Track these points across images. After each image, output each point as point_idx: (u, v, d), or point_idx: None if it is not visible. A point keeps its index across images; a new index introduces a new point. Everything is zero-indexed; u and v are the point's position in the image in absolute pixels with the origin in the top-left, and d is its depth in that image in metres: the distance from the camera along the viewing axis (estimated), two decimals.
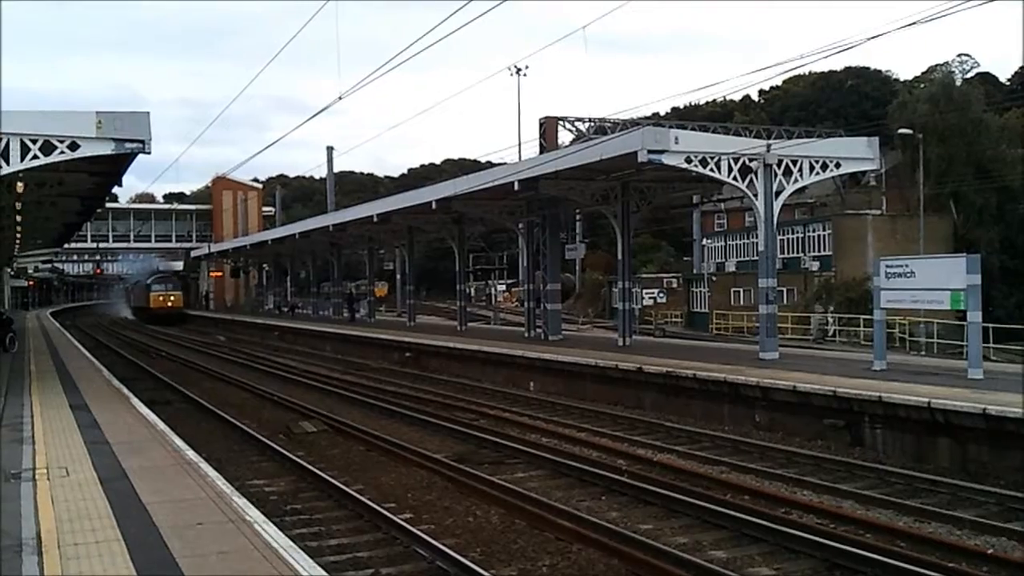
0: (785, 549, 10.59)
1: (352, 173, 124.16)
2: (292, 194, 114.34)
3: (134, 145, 18.44)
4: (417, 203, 35.37)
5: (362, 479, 14.81)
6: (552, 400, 23.79)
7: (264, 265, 79.30)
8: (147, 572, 7.51)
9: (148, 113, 18.61)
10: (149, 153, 18.61)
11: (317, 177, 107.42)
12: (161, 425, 15.37)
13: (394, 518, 11.70)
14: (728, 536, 11.25)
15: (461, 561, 9.87)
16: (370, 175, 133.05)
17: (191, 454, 12.69)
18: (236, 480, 13.04)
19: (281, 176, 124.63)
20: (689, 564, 9.76)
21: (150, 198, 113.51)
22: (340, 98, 22.36)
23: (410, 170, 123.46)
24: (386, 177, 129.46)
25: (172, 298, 74.52)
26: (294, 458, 16.01)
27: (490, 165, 51.12)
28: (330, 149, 71.47)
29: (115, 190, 33.11)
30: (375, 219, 39.61)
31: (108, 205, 63.59)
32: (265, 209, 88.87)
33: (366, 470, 15.63)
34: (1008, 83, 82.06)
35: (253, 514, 9.35)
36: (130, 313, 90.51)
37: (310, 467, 15.15)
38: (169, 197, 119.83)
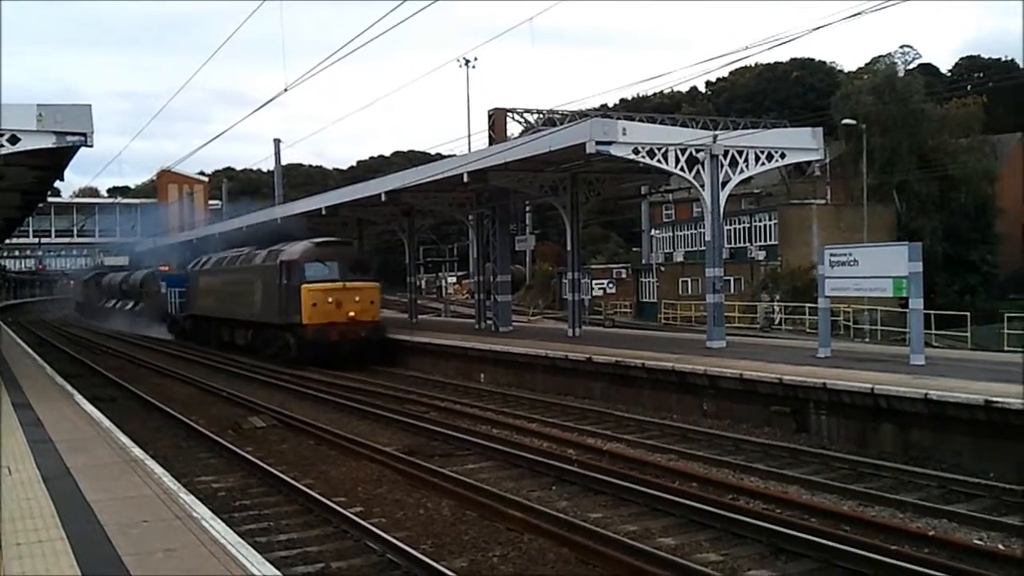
0: (732, 535, 10.73)
1: (300, 166, 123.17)
2: (239, 187, 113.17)
3: (76, 138, 18.12)
4: (366, 195, 35.17)
5: (312, 473, 14.74)
6: (503, 391, 23.86)
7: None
8: (92, 571, 7.41)
9: (90, 106, 18.29)
10: (91, 146, 18.29)
11: (264, 170, 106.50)
12: (106, 422, 15.15)
13: (344, 512, 11.66)
14: (676, 523, 11.38)
15: (412, 554, 9.87)
16: (318, 168, 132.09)
17: (137, 451, 12.53)
18: (183, 477, 12.91)
19: (228, 169, 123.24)
20: (638, 551, 9.85)
21: (93, 192, 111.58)
22: (286, 90, 22.29)
23: (359, 162, 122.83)
24: (335, 169, 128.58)
25: (358, 299, 31.28)
26: (243, 453, 15.88)
27: (440, 157, 51.10)
28: (277, 142, 70.65)
29: (57, 184, 32.65)
30: (323, 212, 39.32)
31: (50, 199, 62.52)
32: (212, 203, 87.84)
33: (316, 464, 15.55)
34: (949, 74, 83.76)
35: (200, 510, 9.26)
36: (161, 325, 49.67)
37: (259, 462, 15.04)
38: (113, 191, 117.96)
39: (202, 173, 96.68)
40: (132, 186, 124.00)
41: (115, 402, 22.63)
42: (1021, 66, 78.71)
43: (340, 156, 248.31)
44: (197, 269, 44.33)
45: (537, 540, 10.66)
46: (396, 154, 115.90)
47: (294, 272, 31.07)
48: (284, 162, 75.75)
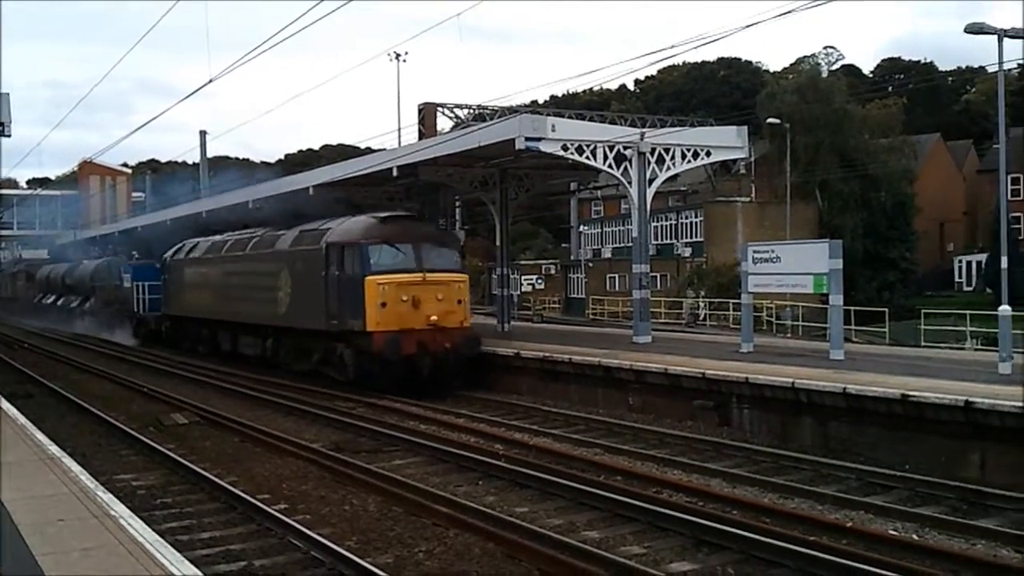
0: (656, 528, 10.86)
1: (227, 158, 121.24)
2: (164, 180, 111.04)
3: None
4: (294, 189, 34.75)
5: (236, 471, 14.54)
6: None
7: (134, 253, 76.47)
8: (5, 571, 7.22)
9: (8, 94, 17.95)
10: (9, 136, 17.99)
11: (190, 162, 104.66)
12: (22, 419, 14.78)
13: (268, 509, 11.53)
14: (601, 516, 11.48)
15: (336, 550, 9.80)
16: (246, 160, 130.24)
17: (54, 448, 12.23)
18: (102, 475, 12.66)
19: (152, 161, 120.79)
20: (563, 545, 9.91)
21: (12, 184, 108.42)
22: (211, 80, 21.83)
23: (287, 156, 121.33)
24: (262, 163, 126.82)
25: (442, 297, 22.28)
26: (164, 451, 15.60)
27: (369, 151, 50.61)
28: (203, 133, 69.52)
29: None
30: (250, 205, 38.74)
31: None
32: (135, 195, 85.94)
33: (240, 461, 15.34)
34: (871, 75, 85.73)
35: (119, 509, 9.08)
36: (121, 326, 41.75)
37: (181, 460, 14.80)
38: (32, 183, 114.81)
39: (125, 165, 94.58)
40: (52, 177, 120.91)
41: (32, 399, 22.08)
42: (939, 68, 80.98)
43: (268, 149, 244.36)
44: (181, 257, 35.71)
45: (463, 535, 10.66)
46: (325, 147, 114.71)
47: (351, 259, 22.54)
48: (210, 155, 74.54)
